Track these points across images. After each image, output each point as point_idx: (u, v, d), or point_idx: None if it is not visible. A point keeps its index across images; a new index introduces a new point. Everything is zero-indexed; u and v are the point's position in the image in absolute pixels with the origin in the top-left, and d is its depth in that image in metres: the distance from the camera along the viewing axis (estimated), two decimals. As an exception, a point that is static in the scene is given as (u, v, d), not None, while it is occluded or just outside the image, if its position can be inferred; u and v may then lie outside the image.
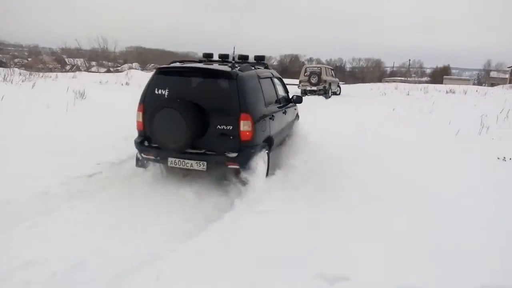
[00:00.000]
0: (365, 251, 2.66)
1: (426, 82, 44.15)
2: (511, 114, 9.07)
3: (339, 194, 3.89)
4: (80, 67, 30.83)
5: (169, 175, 4.32)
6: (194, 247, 2.67)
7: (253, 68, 4.61)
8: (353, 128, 7.78)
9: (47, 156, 4.53)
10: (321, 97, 16.45)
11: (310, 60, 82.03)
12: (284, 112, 5.22)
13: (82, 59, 35.24)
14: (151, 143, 4.01)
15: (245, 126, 3.80)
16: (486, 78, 56.49)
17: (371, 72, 64.13)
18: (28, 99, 7.30)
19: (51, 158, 4.46)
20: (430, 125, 8.30)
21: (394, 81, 38.76)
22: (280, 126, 4.91)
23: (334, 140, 6.00)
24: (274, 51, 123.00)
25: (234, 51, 4.89)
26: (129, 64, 44.60)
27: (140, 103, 4.17)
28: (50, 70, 20.52)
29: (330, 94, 17.01)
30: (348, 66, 74.53)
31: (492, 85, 40.46)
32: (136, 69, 35.15)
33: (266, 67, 5.43)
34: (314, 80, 16.48)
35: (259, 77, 4.50)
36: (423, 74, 64.51)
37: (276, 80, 5.35)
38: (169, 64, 4.50)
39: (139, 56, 54.20)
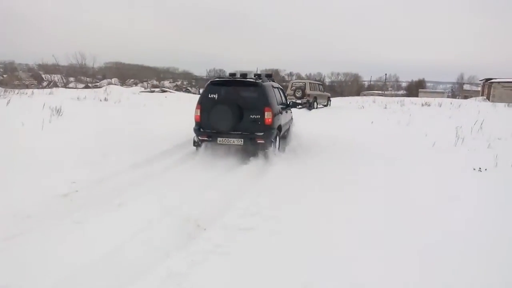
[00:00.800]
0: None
1: (402, 95, 45.51)
2: (484, 126, 9.39)
3: (316, 158, 6.47)
4: (58, 83, 30.29)
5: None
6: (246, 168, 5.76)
7: (268, 81, 6.88)
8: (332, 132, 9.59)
9: (19, 175, 4.37)
10: (305, 109, 17.99)
11: (290, 74, 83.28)
12: (286, 112, 7.60)
13: (59, 75, 34.63)
14: (205, 129, 6.14)
15: (268, 115, 6.04)
16: (459, 90, 58.49)
17: (350, 86, 65.57)
18: (1, 116, 7.09)
19: (23, 177, 4.30)
20: (407, 137, 8.48)
21: (372, 95, 39.77)
22: (284, 121, 7.21)
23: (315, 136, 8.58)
24: (255, 67, 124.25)
25: (256, 71, 7.51)
26: (108, 80, 44.17)
27: (198, 104, 6.28)
28: (27, 87, 20.08)
29: (315, 106, 18.95)
30: (327, 80, 75.88)
31: (466, 97, 41.95)
32: (115, 84, 34.80)
33: (273, 81, 7.61)
34: (298, 94, 18.33)
35: (272, 86, 6.86)
36: (399, 87, 66.55)
37: (280, 90, 7.73)
38: (215, 79, 6.60)
39: (118, 72, 53.72)
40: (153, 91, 28.02)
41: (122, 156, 5.54)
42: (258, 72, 7.20)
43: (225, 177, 5.15)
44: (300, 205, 3.99)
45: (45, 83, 30.73)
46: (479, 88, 42.40)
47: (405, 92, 59.35)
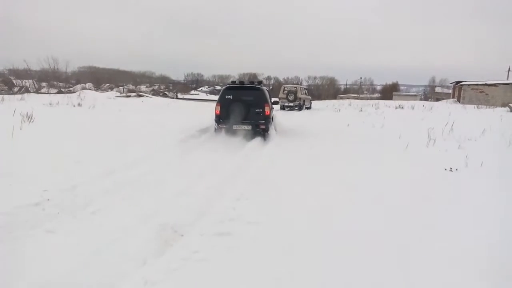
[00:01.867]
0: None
1: (377, 98, 46.57)
2: (455, 127, 9.71)
3: (298, 137, 9.48)
4: (29, 89, 29.28)
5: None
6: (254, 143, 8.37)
7: (260, 83, 9.97)
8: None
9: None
10: (294, 110, 20.76)
11: (268, 78, 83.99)
12: (273, 108, 10.68)
13: (31, 80, 33.49)
14: (223, 119, 8.73)
15: (267, 109, 8.86)
16: (431, 93, 60.41)
17: (326, 90, 66.63)
18: (-32, 124, 6.82)
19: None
20: (381, 139, 8.68)
21: (348, 98, 40.54)
22: (273, 113, 10.44)
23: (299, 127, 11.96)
24: (233, 70, 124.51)
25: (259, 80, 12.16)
26: (82, 85, 43.14)
27: (217, 103, 8.87)
28: (-4, 93, 19.30)
29: (303, 109, 21.66)
30: (304, 84, 76.80)
31: (437, 99, 43.39)
32: (89, 89, 34.02)
33: (260, 83, 10.23)
34: (291, 97, 20.93)
35: (266, 90, 9.80)
36: (374, 90, 68.09)
37: (268, 92, 10.07)
38: (229, 85, 9.38)
39: (93, 76, 52.54)
40: (129, 96, 27.62)
41: (96, 163, 5.42)
42: (235, 79, 10.41)
43: (243, 146, 8.00)
44: (289, 160, 6.43)
45: (16, 89, 29.65)
46: (450, 91, 43.95)
47: (379, 95, 60.74)
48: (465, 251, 3.02)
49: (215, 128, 9.11)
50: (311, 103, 24.28)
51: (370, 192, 4.61)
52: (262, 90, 9.17)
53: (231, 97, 8.84)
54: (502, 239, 3.27)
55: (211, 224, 3.47)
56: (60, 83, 39.63)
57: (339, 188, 4.77)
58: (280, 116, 13.75)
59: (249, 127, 8.78)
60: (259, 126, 8.82)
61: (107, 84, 52.17)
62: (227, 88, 9.12)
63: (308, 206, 4.05)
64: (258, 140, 8.49)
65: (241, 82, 9.79)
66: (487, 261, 2.87)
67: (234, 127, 8.71)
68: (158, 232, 3.29)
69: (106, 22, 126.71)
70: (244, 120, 8.72)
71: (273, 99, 10.73)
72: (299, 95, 20.97)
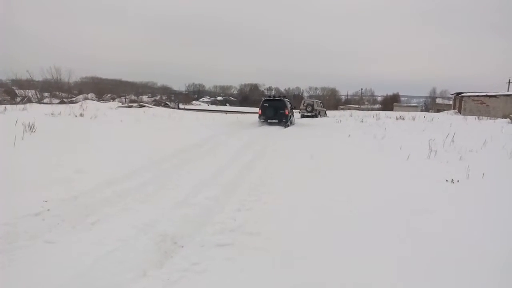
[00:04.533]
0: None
1: (378, 109, 46.68)
2: (456, 138, 9.70)
3: (310, 127, 16.40)
4: (32, 99, 29.42)
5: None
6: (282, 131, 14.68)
7: (284, 97, 18.55)
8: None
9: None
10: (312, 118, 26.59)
11: (270, 89, 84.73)
12: (292, 111, 18.51)
13: (33, 91, 33.68)
14: (263, 117, 17.27)
15: (286, 111, 17.00)
16: (432, 104, 60.53)
17: (327, 100, 66.84)
18: (-30, 133, 6.84)
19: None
20: (383, 150, 8.67)
21: (349, 109, 40.67)
22: (291, 114, 17.95)
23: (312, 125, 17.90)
24: (234, 81, 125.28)
25: (280, 95, 22.30)
26: (84, 95, 43.39)
27: (259, 108, 17.45)
28: (-1, 102, 19.41)
29: (318, 116, 27.31)
30: (305, 95, 77.35)
31: (438, 111, 43.44)
32: (92, 99, 34.17)
33: (286, 97, 19.00)
34: (309, 109, 27.57)
35: (288, 100, 18.52)
36: (375, 101, 68.30)
37: (290, 102, 18.43)
38: (266, 98, 18.14)
39: (95, 87, 52.89)
40: (131, 106, 27.73)
41: (97, 172, 5.42)
42: (278, 94, 20.61)
43: (270, 130, 14.40)
44: (301, 140, 9.09)
45: (18, 99, 29.81)
46: (451, 102, 43.98)
47: (380, 106, 60.88)
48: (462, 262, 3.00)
49: (259, 121, 17.61)
50: (326, 113, 30.58)
51: (370, 204, 4.59)
52: (283, 101, 17.54)
53: (266, 104, 17.24)
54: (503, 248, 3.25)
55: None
56: (63, 93, 39.82)
57: (335, 197, 4.76)
58: (299, 119, 23.03)
59: (276, 121, 16.97)
60: (282, 120, 16.92)
61: (109, 95, 52.52)
62: (264, 100, 17.74)
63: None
64: (280, 127, 16.29)
65: (273, 96, 18.64)
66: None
67: (269, 121, 17.16)
68: (158, 243, 3.28)
69: (109, 33, 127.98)
70: (274, 117, 16.97)
71: (302, 112, 23.96)
72: (315, 107, 27.83)
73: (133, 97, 51.04)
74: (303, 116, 26.56)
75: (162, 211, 4.13)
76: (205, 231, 3.63)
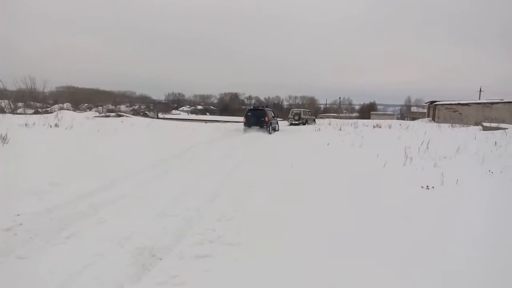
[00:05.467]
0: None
1: (356, 117, 47.57)
2: (431, 146, 9.97)
3: (291, 133, 19.25)
4: (5, 109, 28.49)
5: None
6: (268, 137, 16.84)
7: (266, 107, 22.10)
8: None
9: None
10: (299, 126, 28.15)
11: (249, 98, 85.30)
12: (274, 119, 20.64)
13: (7, 101, 32.63)
14: (247, 124, 19.26)
15: (266, 119, 19.06)
16: (407, 112, 62.16)
17: (307, 109, 67.62)
18: None
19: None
20: (360, 158, 8.82)
21: (328, 117, 41.33)
22: (273, 122, 20.12)
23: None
24: (214, 90, 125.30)
25: (262, 105, 29.53)
26: (60, 105, 42.38)
27: (244, 117, 19.83)
28: (-32, 113, 18.71)
29: (305, 124, 29.17)
30: (285, 104, 78.07)
31: (413, 119, 44.66)
32: (68, 109, 33.44)
33: (267, 106, 24.86)
34: (296, 117, 29.70)
35: (269, 109, 21.11)
36: (352, 110, 69.69)
37: (271, 111, 20.93)
38: (250, 108, 22.61)
39: (71, 96, 51.72)
40: (108, 116, 27.29)
41: (71, 184, 5.28)
42: (260, 104, 26.02)
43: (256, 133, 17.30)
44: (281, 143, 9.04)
45: (-10, 110, 28.80)
46: (425, 110, 45.32)
47: (358, 114, 62.08)
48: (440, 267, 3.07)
49: (243, 129, 19.23)
50: (314, 120, 32.58)
51: (347, 212, 4.65)
52: (264, 110, 19.91)
53: (250, 114, 19.74)
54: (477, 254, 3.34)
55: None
56: (37, 103, 38.75)
57: (306, 205, 4.80)
58: (285, 126, 25.51)
59: (258, 127, 18.89)
60: (263, 126, 18.91)
61: (86, 104, 51.47)
62: (248, 110, 20.66)
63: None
64: (261, 132, 18.51)
65: (255, 106, 23.29)
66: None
67: (251, 128, 18.96)
68: (135, 257, 3.21)
69: (86, 41, 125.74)
70: (256, 124, 18.99)
71: (290, 120, 28.69)
72: (302, 116, 30.20)
73: (110, 106, 50.13)
74: (291, 124, 28.90)
75: (140, 223, 4.06)
76: (184, 242, 3.58)
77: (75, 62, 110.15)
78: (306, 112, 32.34)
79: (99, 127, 15.01)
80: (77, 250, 3.33)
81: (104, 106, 47.77)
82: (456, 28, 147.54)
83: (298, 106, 73.35)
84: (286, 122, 28.82)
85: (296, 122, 28.94)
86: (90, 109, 44.16)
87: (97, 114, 29.61)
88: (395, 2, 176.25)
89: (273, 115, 20.74)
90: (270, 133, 18.45)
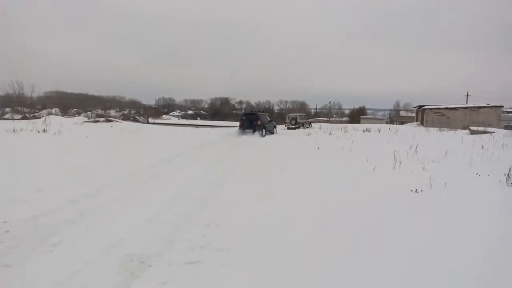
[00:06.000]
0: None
1: (346, 122, 47.91)
2: (419, 150, 10.09)
3: (283, 138, 18.12)
4: (-8, 115, 28.08)
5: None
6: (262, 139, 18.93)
7: (261, 112, 22.83)
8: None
9: None
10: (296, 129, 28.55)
11: (240, 102, 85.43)
12: (269, 123, 21.71)
13: (-6, 106, 32.20)
14: (241, 128, 20.48)
15: (259, 122, 20.07)
16: (396, 117, 62.81)
17: (287, 116, 68.01)
18: None
19: None
20: (350, 162, 8.87)
21: (318, 121, 41.56)
22: (268, 125, 21.17)
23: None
24: (205, 95, 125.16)
25: (257, 110, 28.73)
26: (48, 110, 41.93)
27: (239, 121, 21.08)
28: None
29: (301, 128, 29.43)
30: (276, 108, 78.29)
31: (402, 123, 45.14)
32: (56, 114, 33.10)
33: (263, 111, 24.50)
34: (292, 122, 30.32)
35: (263, 114, 22.07)
36: (342, 114, 70.27)
37: (267, 116, 22.33)
38: (245, 112, 24.49)
39: (60, 101, 51.17)
40: (97, 121, 27.01)
41: (59, 191, 5.20)
42: (256, 110, 29.19)
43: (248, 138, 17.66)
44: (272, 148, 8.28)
45: (-24, 115, 28.35)
46: (414, 114, 45.87)
47: (348, 118, 62.53)
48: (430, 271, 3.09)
49: (238, 132, 20.48)
50: (310, 124, 32.97)
51: (338, 216, 4.66)
52: (257, 114, 20.84)
53: (244, 118, 20.79)
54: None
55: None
56: (25, 109, 38.30)
57: (304, 208, 4.81)
58: (282, 130, 25.44)
59: (251, 130, 19.99)
60: (256, 129, 19.87)
61: (75, 109, 51.01)
62: (242, 115, 22.20)
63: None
64: (255, 134, 19.41)
65: (250, 111, 23.70)
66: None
67: (246, 131, 20.16)
68: (124, 264, 3.17)
69: (74, 46, 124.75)
70: (249, 128, 20.11)
71: (287, 125, 29.25)
72: (298, 120, 30.85)
73: (100, 111, 49.74)
74: (289, 128, 29.84)
75: (129, 230, 4.01)
76: (174, 248, 3.55)
77: (64, 67, 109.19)
78: (302, 116, 33.55)
79: (88, 132, 14.86)
80: (64, 258, 3.28)
81: (94, 111, 47.38)
82: (445, 34, 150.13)
83: (289, 110, 73.80)
84: (281, 126, 29.01)
85: (293, 127, 29.73)
86: (79, 114, 43.70)
87: (86, 119, 29.28)
88: (384, 9, 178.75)
89: (269, 119, 22.16)
90: (263, 136, 19.31)
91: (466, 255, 3.42)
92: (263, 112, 23.58)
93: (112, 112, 53.45)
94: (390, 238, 3.89)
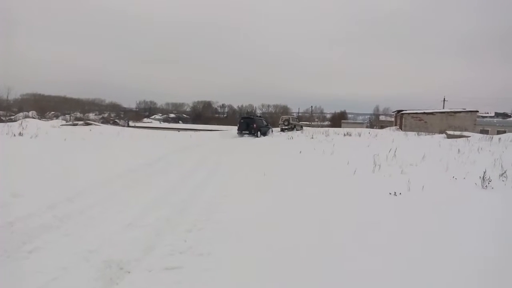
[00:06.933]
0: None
1: (327, 125, 48.50)
2: (398, 153, 10.30)
3: (276, 137, 21.42)
4: (-35, 117, 27.09)
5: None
6: (254, 140, 21.20)
7: (257, 116, 29.95)
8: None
9: None
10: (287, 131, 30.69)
11: (223, 106, 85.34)
12: (265, 126, 25.98)
13: (-32, 109, 31.07)
14: (239, 130, 24.13)
15: (255, 125, 23.75)
16: (376, 121, 64.05)
17: (280, 117, 68.30)
18: None
19: None
20: (332, 166, 8.97)
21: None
22: (264, 128, 25.14)
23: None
24: (187, 98, 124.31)
25: (255, 113, 48.62)
26: (25, 113, 40.85)
27: (238, 124, 25.00)
28: None
29: (294, 130, 31.70)
30: (258, 112, 78.46)
31: (382, 127, 46.03)
32: (33, 117, 32.26)
33: (260, 116, 29.70)
34: (285, 123, 32.53)
35: (260, 118, 26.91)
36: (324, 118, 71.06)
37: (263, 120, 27.41)
38: (243, 116, 27.78)
39: (37, 104, 49.90)
40: (76, 124, 26.46)
41: (35, 196, 5.06)
42: (252, 114, 36.50)
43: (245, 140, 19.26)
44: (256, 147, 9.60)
45: None
46: (393, 119, 46.83)
47: (329, 122, 63.35)
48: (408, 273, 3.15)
49: (237, 134, 23.82)
50: (302, 127, 35.13)
51: (318, 219, 4.71)
52: (253, 118, 24.58)
53: (242, 121, 24.31)
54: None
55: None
56: (1, 112, 37.17)
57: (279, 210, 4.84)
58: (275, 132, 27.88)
59: (247, 132, 23.17)
60: (251, 132, 23.11)
61: (53, 112, 49.85)
62: (241, 118, 25.75)
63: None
64: (251, 137, 21.50)
65: (247, 115, 28.27)
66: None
67: (243, 133, 23.37)
68: (102, 270, 3.11)
69: (52, 47, 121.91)
70: (246, 130, 23.36)
71: (280, 126, 31.55)
72: (290, 121, 33.29)
73: (78, 114, 48.74)
74: (282, 130, 31.98)
75: (108, 236, 3.94)
76: (153, 254, 3.51)
77: (42, 69, 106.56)
78: (294, 118, 37.21)
79: (66, 136, 14.53)
80: (40, 265, 3.19)
81: (72, 114, 46.41)
82: (422, 40, 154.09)
83: (271, 114, 74.27)
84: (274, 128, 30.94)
85: (286, 127, 31.99)
86: (57, 117, 42.76)
87: (64, 122, 28.62)
88: (365, 18, 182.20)
89: (265, 123, 26.39)
90: (258, 137, 22.86)
91: (443, 255, 3.51)
92: (260, 116, 28.91)
93: (91, 115, 52.50)
94: (369, 239, 3.96)
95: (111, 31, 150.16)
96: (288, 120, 33.57)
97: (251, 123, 23.82)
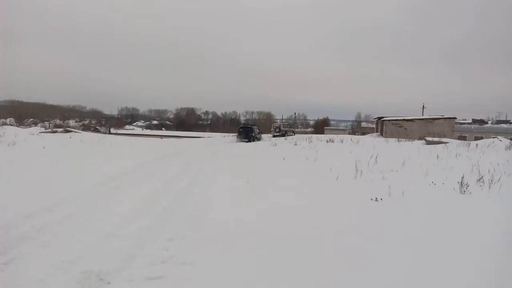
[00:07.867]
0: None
1: (311, 132, 48.96)
2: (379, 159, 10.45)
3: (249, 149, 16.83)
4: None
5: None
6: (253, 145, 24.94)
7: (253, 125, 33.90)
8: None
9: None
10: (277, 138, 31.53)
11: (206, 113, 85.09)
12: (259, 133, 30.83)
13: None
14: (238, 138, 28.20)
15: (252, 134, 28.33)
16: (358, 127, 65.09)
17: (264, 124, 68.52)
18: None
19: None
20: (315, 172, 9.04)
21: (283, 132, 42.34)
22: (258, 136, 29.76)
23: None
24: (170, 105, 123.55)
25: (250, 123, 41.98)
26: (2, 120, 39.83)
27: (237, 132, 29.69)
28: None
29: (285, 135, 33.27)
30: (242, 118, 78.68)
31: (363, 133, 46.77)
32: (11, 125, 31.44)
33: (254, 125, 33.74)
34: (277, 130, 35.08)
35: (255, 126, 31.54)
36: (307, 125, 71.70)
37: (257, 128, 31.51)
38: (241, 126, 33.05)
39: (15, 111, 48.65)
40: (55, 132, 25.92)
41: (11, 205, 4.91)
42: (250, 123, 43.66)
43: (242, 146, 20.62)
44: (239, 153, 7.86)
45: None
46: (374, 125, 47.63)
47: (312, 129, 63.96)
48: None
49: (236, 141, 26.84)
50: (293, 132, 37.15)
51: (303, 226, 4.73)
52: (251, 127, 29.64)
53: (241, 129, 29.06)
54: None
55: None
56: (-24, 119, 36.14)
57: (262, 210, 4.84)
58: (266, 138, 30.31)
59: (246, 140, 26.90)
60: (250, 139, 26.92)
61: (31, 119, 48.69)
62: (240, 127, 30.84)
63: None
64: (248, 143, 23.85)
65: (245, 124, 34.37)
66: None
67: (242, 140, 27.03)
68: (81, 281, 3.04)
69: (31, 53, 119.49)
70: (244, 137, 27.34)
71: (272, 132, 35.20)
72: (281, 128, 35.65)
73: (58, 121, 47.75)
74: (274, 136, 33.86)
75: (87, 246, 3.85)
76: (134, 264, 3.44)
77: (20, 75, 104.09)
78: (285, 125, 39.78)
79: (44, 143, 14.19)
80: (16, 277, 3.10)
81: (51, 121, 45.42)
82: (401, 49, 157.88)
83: (255, 121, 74.63)
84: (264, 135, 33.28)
85: (278, 134, 34.38)
86: (36, 124, 41.74)
87: (43, 129, 27.99)
88: (345, 28, 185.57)
89: (258, 131, 30.25)
90: (254, 142, 26.21)
91: (424, 258, 3.58)
92: (254, 125, 32.79)
93: (72, 122, 51.50)
94: (350, 244, 4.00)
95: (95, 39, 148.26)
96: (279, 127, 36.19)
97: (250, 132, 28.41)
